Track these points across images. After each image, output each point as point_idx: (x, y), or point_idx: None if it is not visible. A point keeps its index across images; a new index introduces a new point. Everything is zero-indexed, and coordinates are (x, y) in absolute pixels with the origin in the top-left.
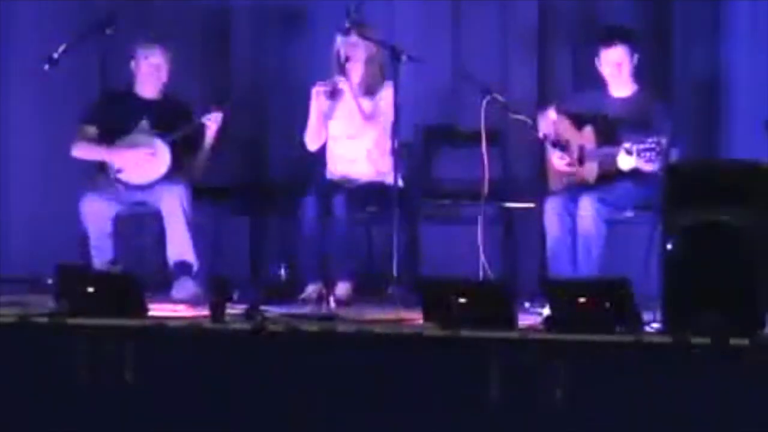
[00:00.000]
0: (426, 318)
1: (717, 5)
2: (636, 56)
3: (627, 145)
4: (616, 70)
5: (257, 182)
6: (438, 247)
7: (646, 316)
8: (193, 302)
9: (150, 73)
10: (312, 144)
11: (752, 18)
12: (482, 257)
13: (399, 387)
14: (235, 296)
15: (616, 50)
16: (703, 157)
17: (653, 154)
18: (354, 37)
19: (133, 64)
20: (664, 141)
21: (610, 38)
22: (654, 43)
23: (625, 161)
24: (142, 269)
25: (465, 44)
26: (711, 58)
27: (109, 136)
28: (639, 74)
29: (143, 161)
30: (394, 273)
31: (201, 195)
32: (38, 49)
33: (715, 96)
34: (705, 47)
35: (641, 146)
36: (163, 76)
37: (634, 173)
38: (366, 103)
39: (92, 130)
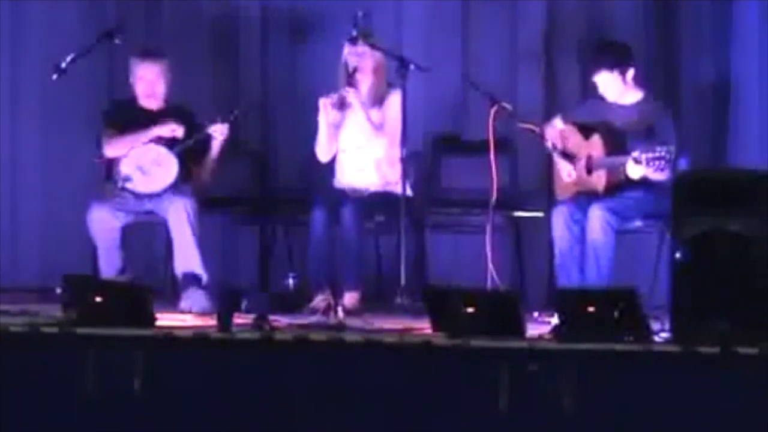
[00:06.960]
0: (434, 327)
1: (726, 11)
2: (631, 69)
3: (636, 154)
4: (608, 92)
5: (265, 192)
6: (446, 256)
7: (655, 325)
8: (201, 312)
9: (147, 86)
10: (324, 155)
11: (762, 23)
12: (490, 266)
13: (407, 396)
14: (244, 306)
15: (601, 76)
16: (712, 166)
17: (663, 162)
18: (361, 47)
19: (131, 77)
20: (672, 148)
21: (596, 65)
22: (662, 50)
23: (635, 170)
24: (150, 279)
25: (473, 53)
26: (719, 64)
27: None
28: (642, 81)
29: (153, 164)
30: (402, 282)
31: (209, 205)
32: (46, 59)
33: (724, 103)
34: (713, 54)
35: (650, 155)
36: (161, 87)
37: (643, 182)
38: (375, 114)
39: (113, 130)
